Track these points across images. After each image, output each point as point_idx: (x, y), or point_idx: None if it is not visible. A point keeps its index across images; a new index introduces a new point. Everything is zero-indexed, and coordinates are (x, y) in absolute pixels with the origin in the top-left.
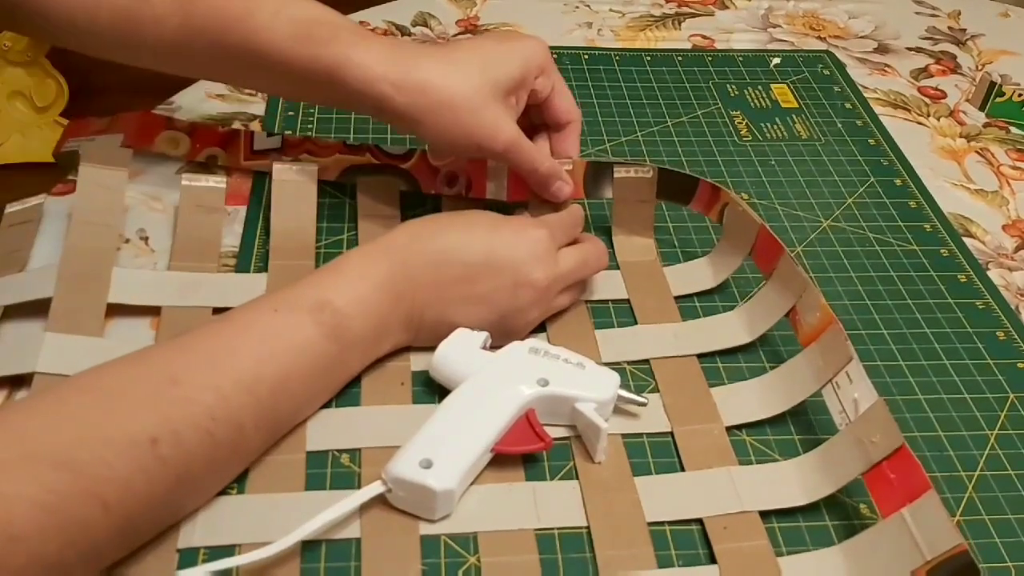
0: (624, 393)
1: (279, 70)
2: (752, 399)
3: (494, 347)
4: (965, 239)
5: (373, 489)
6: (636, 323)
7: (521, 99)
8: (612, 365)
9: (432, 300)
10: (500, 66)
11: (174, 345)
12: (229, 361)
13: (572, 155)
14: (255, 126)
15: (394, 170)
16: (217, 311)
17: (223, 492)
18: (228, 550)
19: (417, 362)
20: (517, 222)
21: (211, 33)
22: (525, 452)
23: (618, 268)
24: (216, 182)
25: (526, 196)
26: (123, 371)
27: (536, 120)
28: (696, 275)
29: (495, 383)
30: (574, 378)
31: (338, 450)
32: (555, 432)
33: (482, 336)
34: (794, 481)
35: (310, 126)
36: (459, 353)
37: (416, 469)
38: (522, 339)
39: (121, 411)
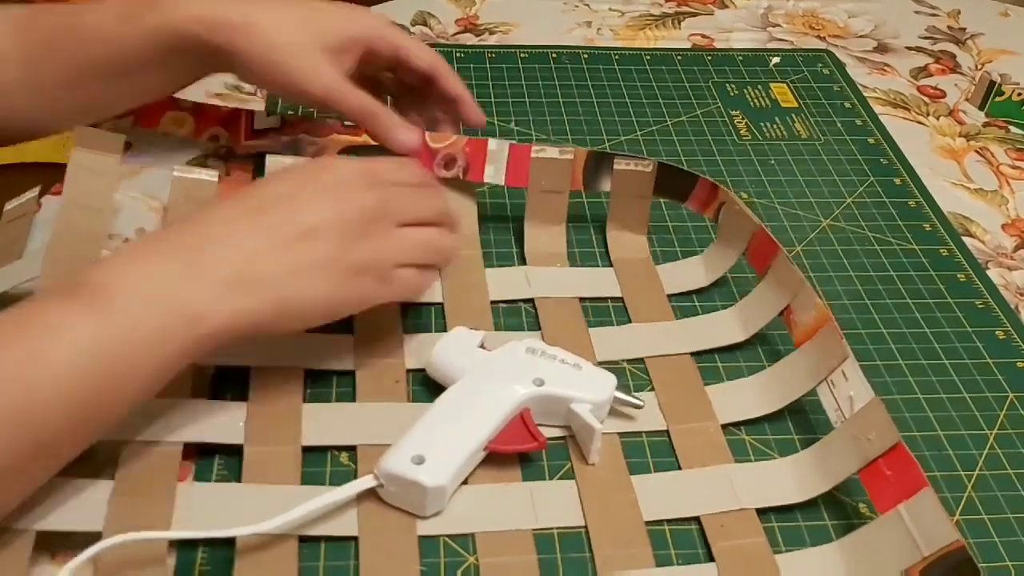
0: (620, 395)
1: (121, 65)
2: (747, 397)
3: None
4: (964, 238)
5: (364, 483)
6: (630, 321)
7: (347, 61)
8: (607, 364)
9: (253, 252)
10: (326, 21)
11: None
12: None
13: (459, 93)
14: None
15: (391, 151)
16: None
17: (221, 488)
18: (222, 551)
19: (412, 359)
20: (331, 162)
21: (50, 56)
22: (518, 451)
23: (611, 265)
24: (208, 175)
25: (526, 182)
26: None
27: (420, 106)
28: (690, 273)
29: (490, 381)
30: (570, 379)
31: (334, 447)
32: (551, 432)
33: (479, 336)
34: (790, 479)
35: None
36: (455, 351)
37: (408, 464)
38: (383, 281)
39: None
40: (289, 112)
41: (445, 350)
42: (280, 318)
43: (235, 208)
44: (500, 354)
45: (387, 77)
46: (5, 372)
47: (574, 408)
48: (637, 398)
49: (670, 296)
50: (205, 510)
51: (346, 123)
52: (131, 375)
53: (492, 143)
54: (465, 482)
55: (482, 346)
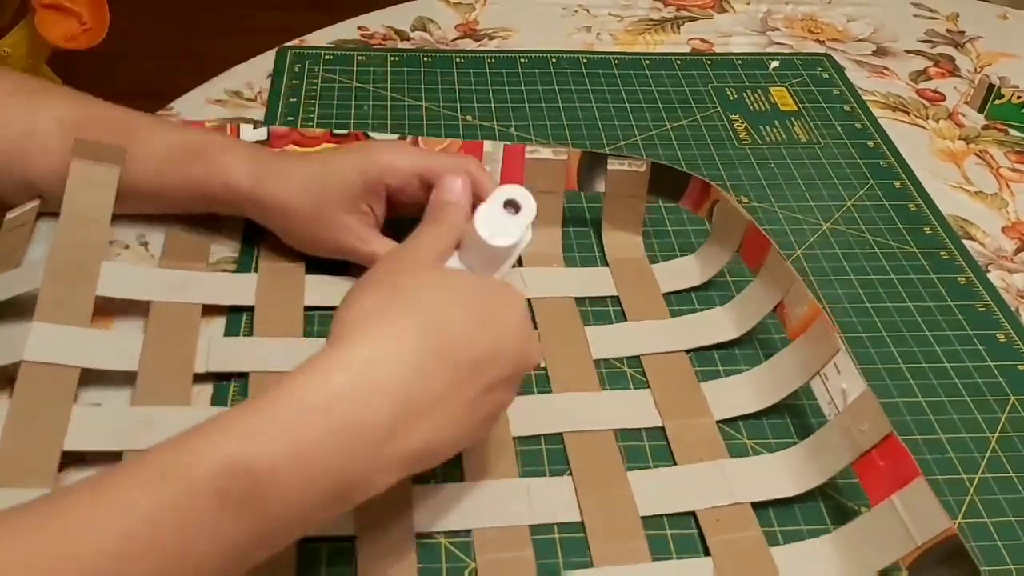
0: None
1: (152, 192)
2: (742, 392)
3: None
4: (965, 241)
5: None
6: (626, 320)
7: (376, 203)
8: (603, 361)
9: (425, 408)
10: (337, 178)
11: (11, 517)
12: (84, 550)
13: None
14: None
15: None
16: (207, 308)
17: None
18: None
19: None
20: (499, 285)
21: None
22: None
23: (607, 265)
24: None
25: (520, 182)
26: None
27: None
28: (684, 272)
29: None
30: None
31: None
32: (542, 429)
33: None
34: (785, 472)
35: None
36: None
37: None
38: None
39: None
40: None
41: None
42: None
43: (436, 362)
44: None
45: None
46: (160, 559)
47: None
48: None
49: (665, 294)
50: None
51: (335, 132)
52: (265, 555)
53: (487, 145)
54: (462, 479)
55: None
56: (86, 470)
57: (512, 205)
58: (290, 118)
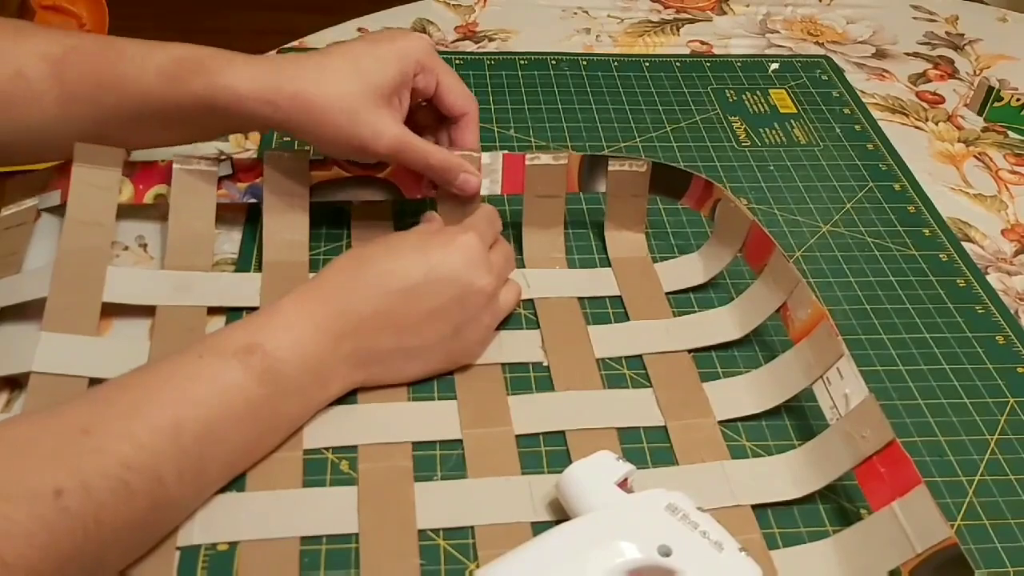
0: None
1: (158, 117)
2: (744, 394)
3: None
4: (964, 243)
5: None
6: (628, 319)
7: (404, 99)
8: (605, 361)
9: (379, 331)
10: (375, 70)
11: (90, 395)
12: (147, 408)
13: (472, 147)
14: (254, 134)
15: (371, 181)
16: (212, 311)
17: (221, 490)
18: (228, 548)
19: None
20: (444, 234)
21: (86, 98)
22: None
23: (610, 265)
24: (207, 166)
25: (522, 189)
26: (32, 423)
27: (423, 122)
28: (687, 271)
29: (610, 531)
30: (704, 560)
31: (335, 450)
32: (545, 427)
33: (623, 469)
34: (785, 475)
35: None
36: (590, 480)
37: None
38: (481, 351)
39: (25, 463)
40: (236, 154)
41: (580, 474)
42: (388, 382)
43: (372, 277)
44: (636, 502)
45: (421, 108)
46: (192, 435)
47: None
48: None
49: (668, 294)
50: (209, 520)
51: (312, 158)
52: (276, 427)
53: (485, 157)
54: (464, 476)
55: (625, 481)
56: None
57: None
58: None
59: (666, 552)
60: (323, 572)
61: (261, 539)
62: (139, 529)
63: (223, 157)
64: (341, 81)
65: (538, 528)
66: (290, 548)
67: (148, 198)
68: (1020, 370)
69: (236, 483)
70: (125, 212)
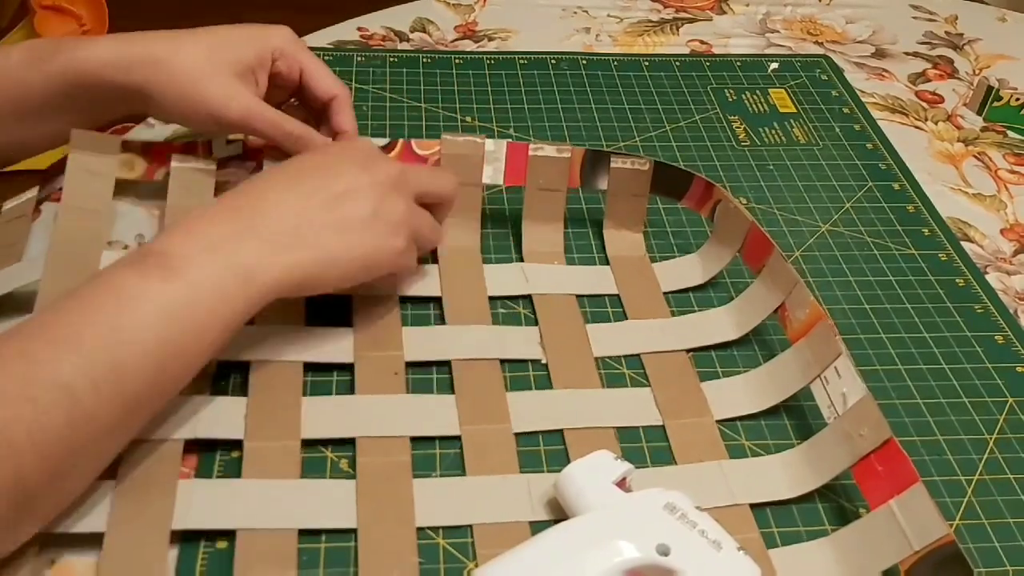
0: None
1: (28, 107)
2: (742, 393)
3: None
4: (963, 243)
5: None
6: (627, 318)
7: (260, 79)
8: (604, 360)
9: (299, 216)
10: (230, 47)
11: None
12: (45, 326)
13: (348, 129)
14: None
15: None
16: None
17: (222, 475)
18: (227, 545)
19: (410, 352)
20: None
21: None
22: None
23: (608, 263)
24: (206, 164)
25: (524, 180)
26: None
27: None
28: (686, 271)
29: (609, 530)
30: (703, 559)
31: (334, 448)
32: (543, 425)
33: (622, 468)
34: (783, 474)
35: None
36: (588, 479)
37: None
38: (417, 234)
39: None
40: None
41: (577, 474)
42: (325, 270)
43: (277, 177)
44: (634, 501)
45: (292, 104)
46: (95, 342)
47: None
48: None
49: (666, 293)
50: (206, 506)
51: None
52: (200, 333)
53: (489, 144)
54: (463, 473)
55: (623, 481)
56: None
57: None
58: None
59: (665, 551)
60: (322, 571)
61: (257, 528)
62: (63, 448)
63: (231, 140)
64: (194, 51)
65: (536, 527)
66: (288, 542)
67: (159, 175)
68: (1019, 369)
69: (232, 471)
70: (136, 192)
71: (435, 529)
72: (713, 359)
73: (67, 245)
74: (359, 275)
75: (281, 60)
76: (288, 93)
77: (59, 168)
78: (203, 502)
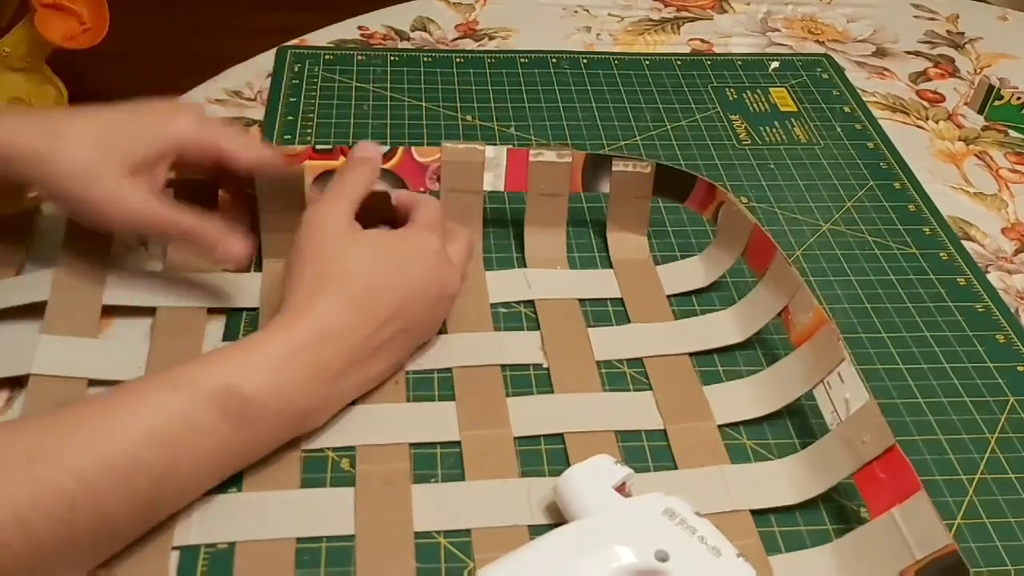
0: None
1: None
2: (744, 398)
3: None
4: (964, 242)
5: None
6: (629, 321)
7: (159, 174)
8: (605, 363)
9: (367, 356)
10: (125, 141)
11: (45, 417)
12: (104, 440)
13: (289, 170)
14: (254, 131)
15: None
16: (212, 311)
17: (218, 490)
18: (226, 548)
19: (410, 361)
20: (410, 236)
21: None
22: None
23: (611, 267)
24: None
25: (525, 186)
26: None
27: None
28: (689, 274)
29: (608, 535)
30: (701, 566)
31: (334, 449)
32: (543, 429)
33: (621, 473)
34: (784, 480)
35: (309, 130)
36: (587, 483)
37: None
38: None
39: None
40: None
41: (577, 477)
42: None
43: (340, 295)
44: (633, 506)
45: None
46: (146, 450)
47: None
48: None
49: (669, 297)
50: (206, 520)
51: (317, 148)
52: (243, 463)
53: (489, 151)
54: (463, 477)
55: (623, 485)
56: None
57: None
58: (290, 118)
59: (663, 557)
60: (323, 571)
61: (258, 539)
62: (81, 560)
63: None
64: (81, 146)
65: (535, 531)
66: (286, 549)
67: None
68: (1020, 368)
69: (234, 483)
70: None
71: (435, 532)
72: (716, 362)
73: (73, 261)
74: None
75: (189, 150)
76: (205, 172)
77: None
78: (203, 517)
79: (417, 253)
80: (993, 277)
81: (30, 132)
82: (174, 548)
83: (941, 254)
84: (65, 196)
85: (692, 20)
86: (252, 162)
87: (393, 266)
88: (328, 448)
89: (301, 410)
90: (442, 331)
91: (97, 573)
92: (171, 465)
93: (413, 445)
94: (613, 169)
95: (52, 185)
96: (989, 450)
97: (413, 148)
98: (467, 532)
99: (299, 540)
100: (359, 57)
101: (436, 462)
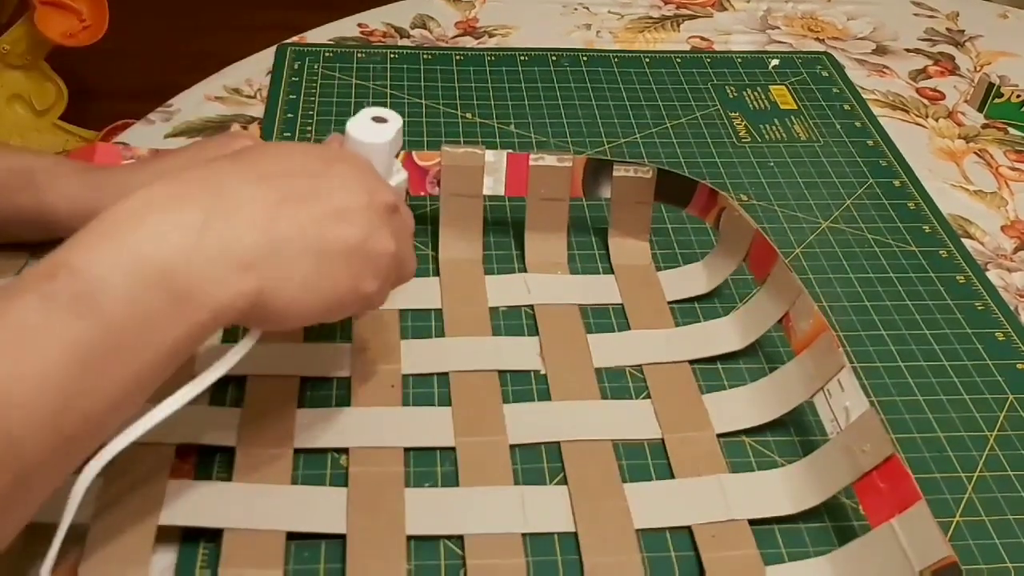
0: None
1: None
2: (744, 406)
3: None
4: (964, 240)
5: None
6: (629, 328)
7: None
8: (604, 370)
9: (277, 222)
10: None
11: None
12: None
13: None
14: (254, 128)
15: None
16: None
17: (208, 478)
18: (213, 533)
19: (408, 364)
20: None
21: None
22: None
23: (612, 272)
24: None
25: (525, 191)
26: None
27: None
28: (691, 280)
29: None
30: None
31: (326, 450)
32: (540, 437)
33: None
34: (783, 490)
35: (309, 128)
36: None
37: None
38: (401, 277)
39: None
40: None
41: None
42: (287, 305)
43: (244, 165)
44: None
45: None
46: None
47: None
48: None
49: (671, 303)
50: (195, 505)
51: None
52: (122, 371)
53: (489, 154)
54: (456, 483)
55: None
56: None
57: (379, 120)
58: (290, 115)
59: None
60: (322, 570)
61: (244, 528)
62: (5, 501)
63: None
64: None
65: (529, 538)
66: (275, 542)
67: None
68: (1019, 366)
69: (223, 476)
70: None
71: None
72: (717, 369)
73: None
74: (320, 317)
75: None
76: None
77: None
78: (191, 501)
79: (345, 153)
80: (993, 275)
81: (109, 187)
82: (161, 526)
83: (941, 252)
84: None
85: (692, 17)
86: None
87: (307, 147)
88: (322, 448)
89: (167, 278)
90: (440, 334)
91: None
92: (17, 377)
93: (407, 450)
94: (614, 174)
95: None
96: (988, 448)
97: (414, 152)
98: (459, 537)
99: (289, 536)
100: (359, 54)
101: (432, 466)
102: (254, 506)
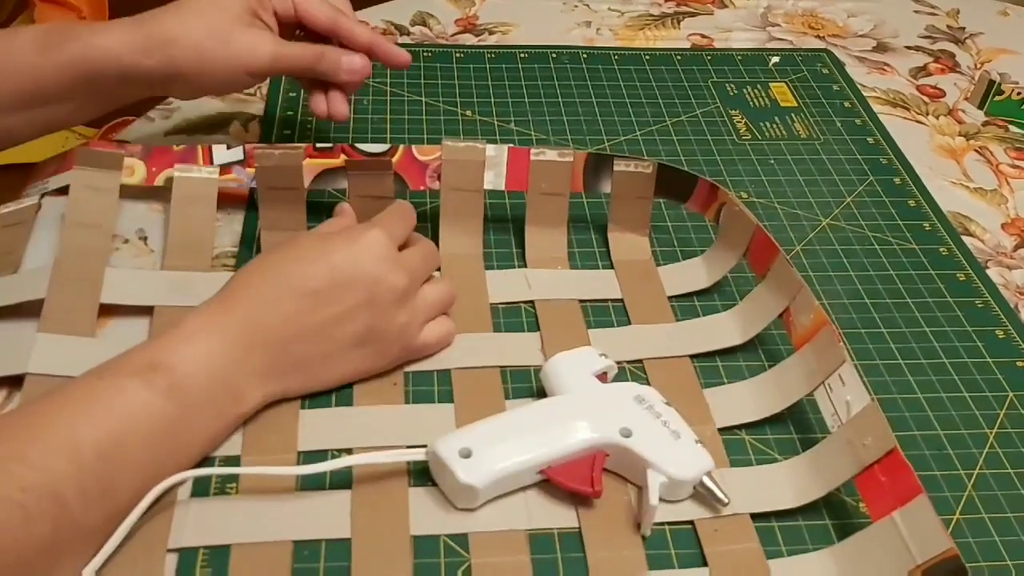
0: (708, 483)
1: (38, 94)
2: (745, 400)
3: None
4: (964, 238)
5: (415, 455)
6: (630, 323)
7: (268, 20)
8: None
9: (289, 339)
10: (229, 3)
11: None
12: (43, 431)
13: (364, 36)
14: (254, 126)
15: (376, 173)
16: None
17: (218, 490)
18: (222, 550)
19: (409, 362)
20: (348, 231)
21: None
22: (570, 489)
23: (612, 267)
24: (208, 172)
25: (525, 185)
26: None
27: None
28: (691, 275)
29: (579, 412)
30: (660, 444)
31: (331, 451)
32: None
33: (604, 363)
34: (785, 483)
35: (309, 126)
36: (571, 367)
37: (453, 454)
38: (409, 347)
39: None
40: (251, 144)
41: (563, 361)
42: (310, 390)
43: (277, 282)
44: (607, 390)
45: (299, 36)
46: (91, 452)
47: (649, 474)
48: (724, 494)
49: (671, 297)
50: (202, 522)
51: (317, 146)
52: (189, 449)
53: (490, 149)
54: None
55: (604, 375)
56: None
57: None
58: (289, 112)
59: (627, 434)
60: (322, 570)
61: (252, 543)
62: (44, 554)
63: (231, 146)
64: (203, 14)
65: (533, 536)
66: (282, 552)
67: (159, 180)
68: (1019, 364)
69: (230, 484)
70: (135, 193)
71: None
72: (718, 364)
73: (71, 261)
74: (346, 383)
75: (278, 4)
76: (289, 29)
77: (52, 164)
78: (198, 520)
79: (351, 242)
80: (993, 272)
81: (156, 22)
82: (170, 551)
83: (941, 249)
84: (213, 65)
85: (692, 15)
86: (327, 20)
87: (316, 251)
88: (325, 450)
89: (228, 381)
90: None
91: None
92: (111, 442)
93: (411, 447)
94: (615, 169)
95: (197, 60)
96: (988, 445)
97: (414, 146)
98: (463, 535)
99: (296, 543)
100: None
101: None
102: (260, 519)
